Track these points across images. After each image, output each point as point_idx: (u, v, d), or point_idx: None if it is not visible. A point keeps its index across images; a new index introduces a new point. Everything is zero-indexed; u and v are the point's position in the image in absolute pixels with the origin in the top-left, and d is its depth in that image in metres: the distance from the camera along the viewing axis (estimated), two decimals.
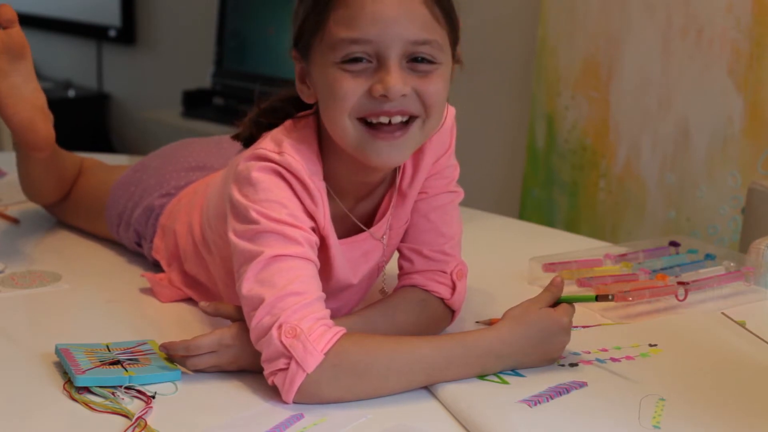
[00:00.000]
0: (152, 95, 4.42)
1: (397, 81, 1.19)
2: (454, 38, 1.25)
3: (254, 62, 3.79)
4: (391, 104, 1.20)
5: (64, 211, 1.84)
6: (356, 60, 1.20)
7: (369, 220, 1.37)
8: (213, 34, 3.93)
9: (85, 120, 4.54)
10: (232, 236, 1.25)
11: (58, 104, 4.64)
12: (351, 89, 1.20)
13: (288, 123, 1.30)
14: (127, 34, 4.42)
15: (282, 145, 1.26)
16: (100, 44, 4.59)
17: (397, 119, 1.22)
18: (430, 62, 1.21)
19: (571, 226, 2.81)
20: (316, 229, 1.27)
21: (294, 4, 1.28)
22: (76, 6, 4.57)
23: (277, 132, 1.29)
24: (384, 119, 1.21)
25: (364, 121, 1.22)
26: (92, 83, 4.65)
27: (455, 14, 1.25)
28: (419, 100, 1.22)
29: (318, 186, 1.26)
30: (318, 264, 1.25)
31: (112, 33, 4.45)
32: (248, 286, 1.20)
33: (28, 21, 4.74)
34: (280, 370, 1.17)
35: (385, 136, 1.22)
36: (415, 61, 1.21)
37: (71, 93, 4.55)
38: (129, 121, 4.50)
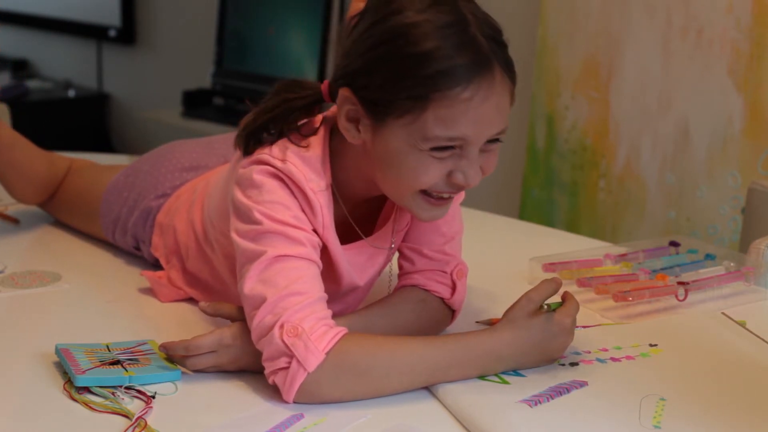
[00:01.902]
0: (152, 95, 4.42)
1: (477, 173, 1.22)
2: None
3: (254, 62, 3.79)
4: (463, 189, 1.25)
5: (57, 211, 1.85)
6: (446, 149, 1.20)
7: (370, 223, 1.37)
8: (213, 34, 3.94)
9: (85, 120, 4.54)
10: (234, 236, 1.25)
11: (58, 104, 4.68)
12: (434, 174, 1.21)
13: (295, 134, 1.28)
14: (127, 34, 4.43)
15: (286, 153, 1.26)
16: (100, 44, 4.59)
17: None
18: (499, 140, 1.24)
19: (571, 226, 2.81)
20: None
21: (357, 47, 1.22)
22: (76, 6, 4.57)
23: (283, 141, 1.28)
24: (447, 195, 1.26)
25: (426, 192, 1.24)
26: (92, 83, 4.65)
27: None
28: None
29: (318, 197, 1.26)
30: (320, 265, 1.25)
31: (112, 33, 4.45)
32: (250, 285, 1.20)
33: (28, 21, 4.76)
34: (281, 369, 1.17)
35: (438, 203, 1.26)
36: (489, 142, 1.23)
37: (71, 93, 4.55)
38: (129, 121, 4.50)
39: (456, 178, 1.22)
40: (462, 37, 1.18)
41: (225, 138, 1.75)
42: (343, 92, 1.23)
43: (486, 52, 1.18)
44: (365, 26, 1.21)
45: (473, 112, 1.18)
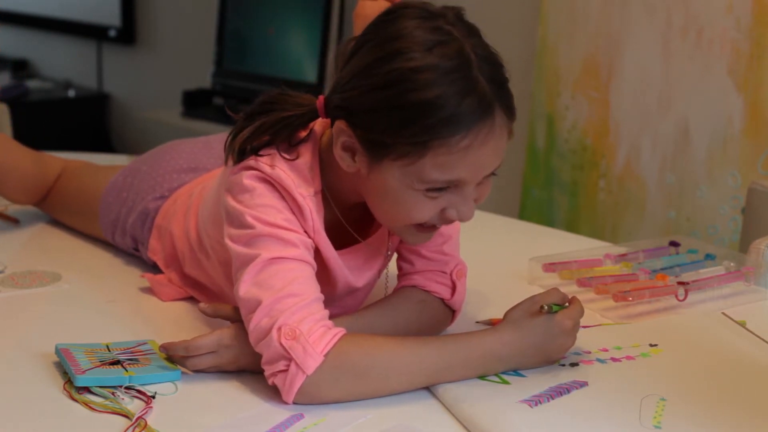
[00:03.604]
0: (152, 95, 4.42)
1: (471, 210, 1.23)
2: None
3: (254, 62, 3.79)
4: (456, 223, 1.26)
5: (55, 212, 1.85)
6: (441, 189, 1.21)
7: (366, 225, 1.37)
8: (213, 34, 3.94)
9: (85, 120, 4.54)
10: (228, 242, 1.25)
11: (58, 104, 4.68)
12: (428, 211, 1.22)
13: (283, 144, 1.27)
14: (127, 34, 4.43)
15: (275, 158, 1.26)
16: (100, 44, 4.59)
17: None
18: (493, 174, 1.25)
19: (571, 226, 2.81)
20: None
21: (361, 82, 1.20)
22: (76, 6, 4.57)
23: (271, 149, 1.27)
24: (438, 225, 1.27)
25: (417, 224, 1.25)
26: (92, 83, 4.65)
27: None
28: None
29: (308, 202, 1.26)
30: (315, 266, 1.25)
31: (112, 33, 4.45)
32: (245, 288, 1.20)
33: (28, 21, 4.76)
34: (280, 371, 1.17)
35: (428, 231, 1.28)
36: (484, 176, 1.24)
37: (71, 93, 4.55)
38: (129, 121, 4.50)
39: (449, 214, 1.23)
40: (465, 83, 1.17)
41: (223, 137, 1.75)
42: (341, 125, 1.22)
43: (488, 99, 1.18)
44: (368, 60, 1.19)
45: (471, 158, 1.18)
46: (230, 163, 1.30)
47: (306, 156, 1.27)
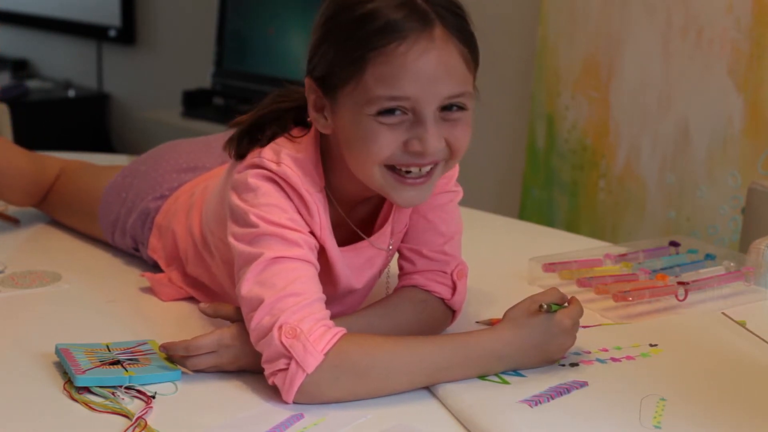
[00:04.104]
0: (152, 95, 4.42)
1: (435, 139, 1.20)
2: (475, 76, 1.25)
3: (254, 62, 3.79)
4: (424, 158, 1.21)
5: (55, 212, 1.85)
6: (392, 112, 1.19)
7: (369, 224, 1.37)
8: (213, 34, 3.94)
9: (85, 120, 4.54)
10: (231, 240, 1.25)
11: (58, 104, 4.67)
12: (386, 142, 1.20)
13: (287, 136, 1.30)
14: (127, 34, 4.43)
15: (280, 155, 1.26)
16: (100, 44, 4.59)
17: (426, 168, 1.24)
18: (461, 109, 1.22)
19: (571, 226, 2.81)
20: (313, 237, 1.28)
21: (314, 33, 1.24)
22: (76, 6, 4.57)
23: (276, 143, 1.29)
24: (414, 169, 1.23)
25: (392, 168, 1.23)
26: (92, 83, 4.65)
27: (478, 55, 1.24)
28: (448, 146, 1.23)
29: (315, 198, 1.26)
30: (318, 267, 1.25)
31: (112, 33, 4.45)
32: (247, 287, 1.20)
33: (28, 21, 4.76)
34: (280, 370, 1.17)
35: (412, 183, 1.24)
36: (447, 109, 1.21)
37: (71, 93, 4.55)
38: (129, 121, 4.50)
39: (412, 145, 1.20)
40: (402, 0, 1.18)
41: (223, 137, 1.76)
42: (306, 81, 1.24)
43: (422, 9, 1.18)
44: (320, 8, 1.23)
45: (412, 67, 1.17)
46: (233, 157, 1.31)
47: (310, 151, 1.28)
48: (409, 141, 1.20)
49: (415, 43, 1.17)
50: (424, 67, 1.17)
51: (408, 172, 1.23)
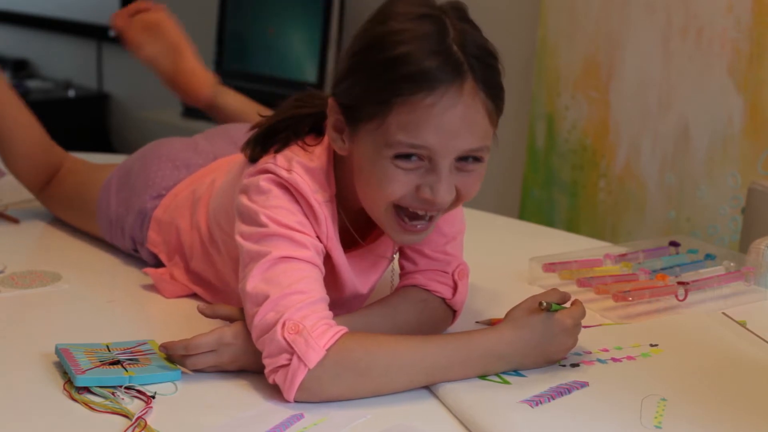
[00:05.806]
0: (152, 95, 4.41)
1: (446, 191, 1.20)
2: (496, 128, 1.24)
3: (254, 62, 3.79)
4: (432, 206, 1.22)
5: (54, 208, 1.85)
6: (409, 157, 1.19)
7: (374, 229, 1.37)
8: (213, 34, 3.93)
9: (85, 120, 4.53)
10: (239, 239, 1.26)
11: (58, 104, 4.66)
12: (399, 186, 1.21)
13: (301, 143, 1.30)
14: None
15: (292, 163, 1.27)
16: (100, 44, 4.58)
17: (432, 213, 1.25)
18: (477, 161, 1.22)
19: (571, 226, 2.81)
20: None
21: (344, 59, 1.23)
22: (76, 6, 4.57)
23: (290, 150, 1.29)
24: (421, 212, 1.24)
25: (399, 208, 1.24)
26: (92, 83, 4.65)
27: (503, 105, 1.23)
28: (457, 194, 1.23)
29: (323, 207, 1.27)
30: (323, 271, 1.25)
31: (112, 33, 4.44)
32: (253, 283, 1.21)
33: (28, 21, 4.76)
34: (282, 366, 1.17)
35: (412, 230, 1.25)
36: (464, 160, 1.21)
37: (71, 93, 4.55)
38: (129, 121, 4.50)
39: (423, 192, 1.21)
40: (437, 46, 1.17)
41: (209, 135, 1.78)
42: (330, 101, 1.25)
43: (456, 59, 1.17)
44: (355, 34, 1.23)
45: (436, 120, 1.17)
46: (244, 159, 1.33)
47: (322, 159, 1.28)
48: (421, 187, 1.21)
49: (443, 96, 1.16)
50: (448, 122, 1.17)
51: (414, 214, 1.24)
